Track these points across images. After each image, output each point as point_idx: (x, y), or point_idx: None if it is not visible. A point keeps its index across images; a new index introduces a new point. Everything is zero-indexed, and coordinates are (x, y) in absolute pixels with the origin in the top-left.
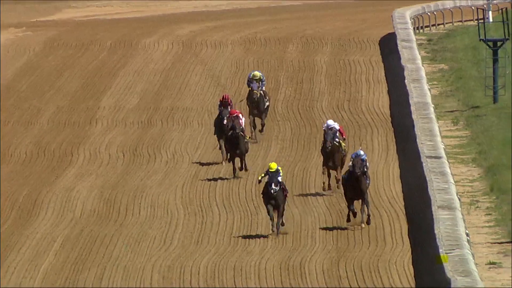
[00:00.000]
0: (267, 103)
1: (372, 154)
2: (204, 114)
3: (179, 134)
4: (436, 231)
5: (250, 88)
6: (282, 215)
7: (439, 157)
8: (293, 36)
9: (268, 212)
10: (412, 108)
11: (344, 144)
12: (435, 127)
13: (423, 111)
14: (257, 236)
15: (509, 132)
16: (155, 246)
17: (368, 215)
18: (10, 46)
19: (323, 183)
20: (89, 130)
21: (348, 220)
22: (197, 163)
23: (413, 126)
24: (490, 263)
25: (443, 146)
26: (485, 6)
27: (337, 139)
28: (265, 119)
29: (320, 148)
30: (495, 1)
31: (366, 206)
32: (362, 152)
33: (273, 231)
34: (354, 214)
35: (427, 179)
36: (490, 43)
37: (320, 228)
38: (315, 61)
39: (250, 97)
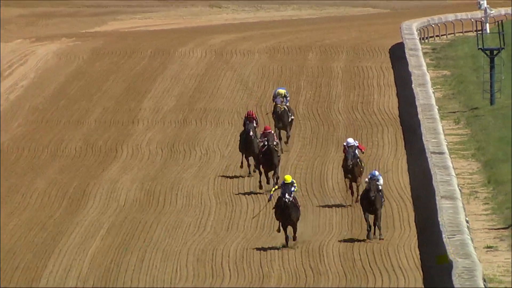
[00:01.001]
0: (291, 117)
1: (383, 150)
2: (234, 114)
3: (212, 132)
4: (439, 219)
5: (274, 103)
6: (296, 229)
7: (442, 153)
8: (312, 45)
9: (282, 225)
10: (418, 109)
11: (363, 161)
12: (439, 126)
13: (428, 112)
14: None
15: (505, 131)
16: (190, 231)
17: (379, 228)
18: (62, 54)
19: (349, 195)
20: (132, 128)
21: (368, 236)
22: (227, 158)
23: (419, 125)
24: (488, 247)
25: (446, 143)
26: (483, 18)
27: (357, 156)
28: (290, 132)
29: (342, 164)
30: (492, 14)
31: (378, 221)
32: (377, 173)
33: (286, 245)
34: (369, 227)
35: (432, 172)
36: (488, 52)
37: (336, 216)
38: (332, 67)
39: (275, 111)
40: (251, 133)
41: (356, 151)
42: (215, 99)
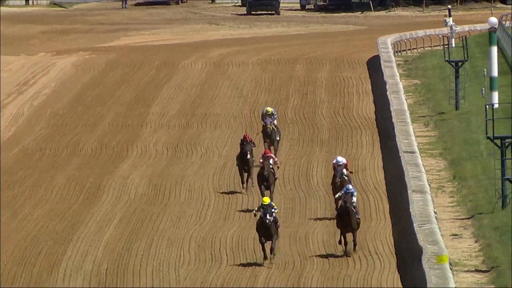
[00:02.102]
0: (278, 138)
1: (361, 150)
2: (230, 118)
3: (211, 134)
4: (411, 210)
5: (263, 123)
6: (275, 245)
7: (413, 152)
8: (299, 58)
9: (261, 242)
10: (392, 113)
11: (350, 178)
12: (410, 129)
13: (401, 116)
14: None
15: (468, 133)
16: (192, 221)
17: (355, 244)
18: (79, 66)
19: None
20: (141, 131)
21: (340, 242)
22: (224, 157)
23: (393, 128)
24: (453, 235)
25: (417, 144)
26: (449, 34)
27: (345, 173)
28: (277, 148)
29: (331, 182)
30: (457, 30)
31: (354, 235)
32: (350, 187)
33: (265, 260)
34: (345, 242)
35: (404, 169)
36: (453, 63)
37: (320, 208)
38: (317, 77)
39: (264, 130)
40: (248, 156)
41: (344, 170)
42: (213, 105)
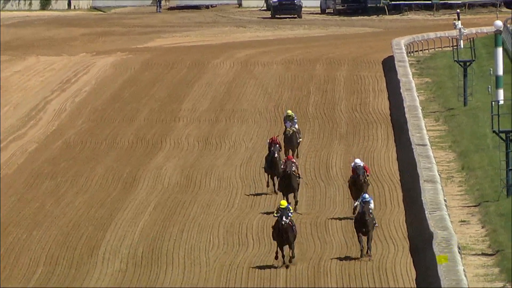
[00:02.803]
0: (299, 140)
1: (377, 143)
2: (256, 114)
3: (238, 128)
4: (422, 198)
5: (285, 126)
6: (293, 249)
7: (425, 145)
8: (320, 58)
9: (279, 245)
10: (406, 109)
11: (368, 180)
12: (422, 123)
13: (413, 111)
14: (296, 203)
15: (475, 127)
16: (221, 208)
17: (369, 248)
18: (117, 65)
19: (353, 208)
20: (174, 125)
21: (361, 255)
22: (251, 149)
23: (406, 122)
24: (462, 221)
25: (428, 137)
26: (457, 36)
27: (365, 174)
28: (297, 151)
29: (348, 182)
30: (465, 33)
31: (369, 242)
32: (367, 196)
33: (284, 263)
34: (362, 245)
35: (416, 160)
36: (462, 63)
37: (339, 196)
38: (336, 76)
39: (285, 133)
40: (276, 155)
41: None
42: (240, 101)
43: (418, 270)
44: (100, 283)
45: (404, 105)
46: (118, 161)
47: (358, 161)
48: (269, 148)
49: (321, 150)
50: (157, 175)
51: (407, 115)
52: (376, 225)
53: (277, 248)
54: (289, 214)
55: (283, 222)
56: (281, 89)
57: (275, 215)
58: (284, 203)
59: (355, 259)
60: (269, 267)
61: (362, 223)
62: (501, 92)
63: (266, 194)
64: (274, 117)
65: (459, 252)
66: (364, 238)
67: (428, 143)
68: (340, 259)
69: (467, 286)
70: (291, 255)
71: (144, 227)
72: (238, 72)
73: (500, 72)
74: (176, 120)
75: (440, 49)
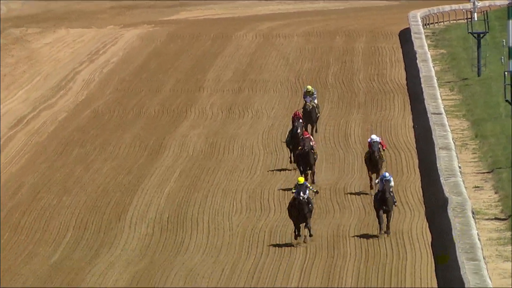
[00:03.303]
0: (318, 115)
1: (394, 112)
2: (277, 84)
3: (260, 98)
4: (438, 165)
5: (304, 101)
6: (309, 227)
7: (440, 113)
8: (339, 30)
9: (295, 223)
10: (421, 79)
11: (383, 156)
12: (437, 93)
13: (429, 81)
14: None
15: (489, 96)
16: (244, 175)
17: (388, 228)
18: (143, 37)
19: (370, 183)
20: (198, 95)
21: (380, 231)
22: (272, 118)
23: (422, 92)
24: (475, 187)
25: (443, 106)
26: (471, 9)
27: (380, 150)
28: (316, 125)
29: (365, 157)
30: (479, 5)
31: (389, 221)
32: (387, 174)
33: (302, 242)
34: (380, 222)
35: (432, 128)
36: (475, 35)
37: (357, 163)
38: (354, 47)
39: (304, 108)
40: (299, 130)
41: (379, 146)
42: (262, 72)
43: (434, 234)
44: (127, 247)
45: (420, 75)
46: (145, 130)
47: (374, 136)
48: (293, 122)
49: (340, 118)
50: (182, 143)
51: (422, 85)
52: (396, 203)
53: (294, 227)
54: (307, 190)
55: (300, 198)
56: (301, 60)
57: (293, 191)
58: (301, 179)
59: (373, 223)
60: (290, 231)
61: (383, 201)
62: None
63: (288, 161)
64: (295, 87)
65: (473, 217)
66: (384, 217)
67: (443, 111)
68: (359, 222)
69: (481, 249)
70: (308, 234)
71: (169, 193)
72: (260, 44)
73: None
74: (200, 90)
75: (455, 21)
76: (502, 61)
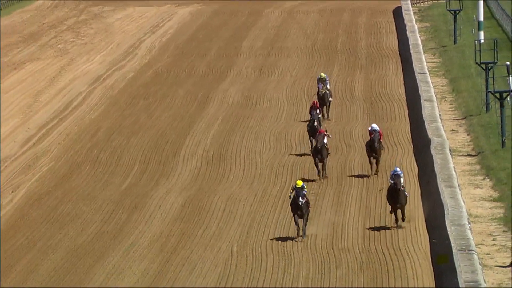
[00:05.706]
0: (330, 99)
1: (389, 72)
2: (298, 50)
3: (284, 61)
4: (423, 113)
5: (318, 88)
6: (306, 223)
7: (424, 73)
8: (346, 8)
9: (295, 220)
10: (410, 46)
11: (382, 143)
12: (423, 57)
13: (416, 48)
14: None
15: (463, 60)
16: (272, 121)
17: (403, 217)
18: (193, 13)
19: (371, 168)
20: (236, 59)
21: (391, 212)
22: (294, 76)
23: (411, 56)
24: (452, 130)
25: (427, 67)
26: None
27: (379, 139)
28: (329, 110)
29: (365, 145)
30: None
31: (402, 210)
32: (398, 169)
33: (299, 236)
34: (396, 217)
35: (418, 85)
36: (452, 12)
37: (360, 112)
38: (358, 21)
39: (317, 94)
40: (315, 123)
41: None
42: (286, 41)
43: (419, 167)
44: (181, 177)
45: (409, 43)
46: (195, 86)
47: (374, 125)
48: (310, 112)
49: (347, 77)
50: (223, 96)
51: (411, 51)
52: (408, 196)
53: (295, 220)
54: (304, 192)
55: (299, 202)
56: (316, 32)
57: (290, 194)
58: (299, 182)
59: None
60: (308, 165)
61: (394, 195)
62: (482, 34)
63: (307, 113)
64: (312, 53)
65: (450, 154)
66: (399, 212)
67: (427, 71)
68: (361, 158)
69: (456, 179)
70: (303, 231)
71: (214, 135)
72: (284, 19)
73: (481, 18)
74: (238, 55)
75: (437, 1)
76: (473, 32)
